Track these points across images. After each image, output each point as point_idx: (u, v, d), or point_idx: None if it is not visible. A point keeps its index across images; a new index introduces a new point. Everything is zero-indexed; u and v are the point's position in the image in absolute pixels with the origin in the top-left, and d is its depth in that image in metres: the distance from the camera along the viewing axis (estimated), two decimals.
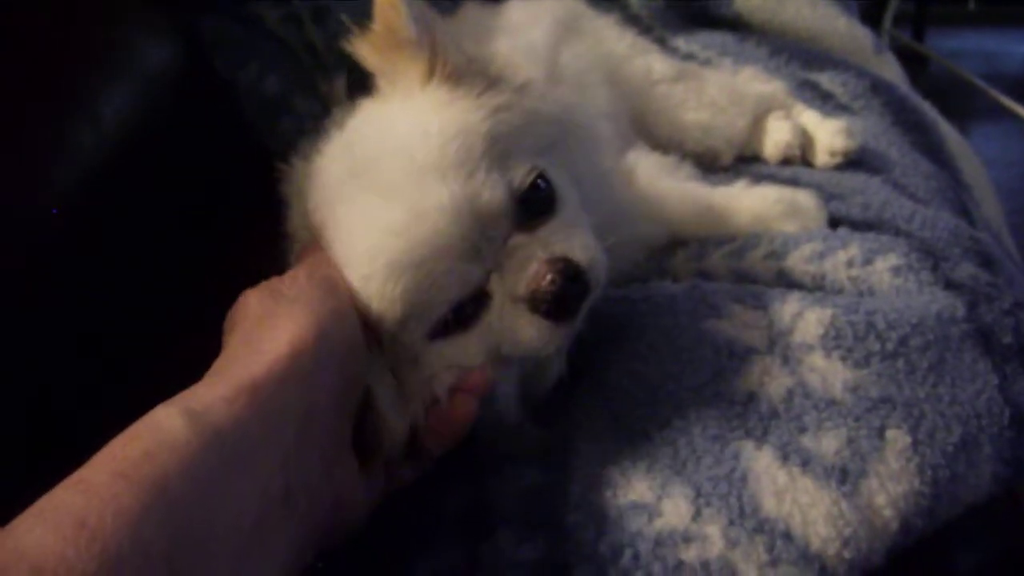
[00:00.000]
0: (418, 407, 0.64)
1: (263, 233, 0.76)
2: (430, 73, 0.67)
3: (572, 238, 0.66)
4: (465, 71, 0.68)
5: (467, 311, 0.64)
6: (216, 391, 0.51)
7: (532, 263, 0.63)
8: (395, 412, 0.63)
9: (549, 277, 0.63)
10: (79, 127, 0.86)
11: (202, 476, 0.47)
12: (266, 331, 0.56)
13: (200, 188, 1.02)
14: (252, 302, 0.60)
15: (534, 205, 0.65)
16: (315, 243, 0.66)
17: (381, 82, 0.70)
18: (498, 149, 0.64)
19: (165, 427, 0.48)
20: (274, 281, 0.62)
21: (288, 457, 0.53)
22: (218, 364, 0.56)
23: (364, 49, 0.69)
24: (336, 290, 0.61)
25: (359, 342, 0.60)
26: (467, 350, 0.65)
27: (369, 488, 0.62)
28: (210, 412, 0.49)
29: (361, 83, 0.83)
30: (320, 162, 0.69)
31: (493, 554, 0.62)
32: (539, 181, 0.66)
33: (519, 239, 0.64)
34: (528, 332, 0.64)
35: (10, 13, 0.82)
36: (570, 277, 0.63)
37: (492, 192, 0.63)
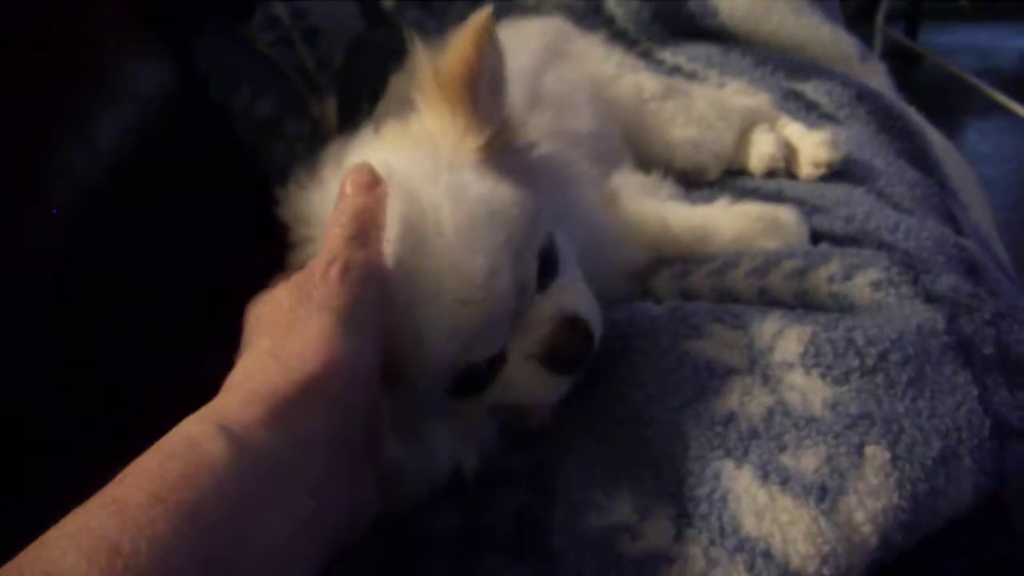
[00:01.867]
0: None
1: (259, 254, 0.77)
2: (492, 139, 0.68)
3: (577, 295, 0.69)
4: (511, 138, 0.70)
5: (483, 370, 0.66)
6: (252, 412, 0.50)
7: (546, 323, 0.66)
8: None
9: (566, 337, 0.66)
10: (73, 151, 0.86)
11: (237, 502, 0.46)
12: (296, 343, 0.55)
13: (195, 211, 1.03)
14: (283, 303, 0.59)
15: (545, 267, 0.68)
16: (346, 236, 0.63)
17: (428, 118, 0.69)
18: (533, 217, 0.67)
19: (204, 448, 0.47)
20: (304, 279, 0.59)
21: (319, 481, 0.52)
22: (246, 372, 0.55)
23: (427, 77, 0.68)
24: (368, 300, 0.59)
25: (381, 355, 0.60)
26: (474, 407, 0.68)
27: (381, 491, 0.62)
28: (248, 435, 0.48)
29: (352, 107, 0.84)
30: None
31: None
32: (548, 244, 0.68)
33: (534, 299, 0.67)
34: (538, 385, 0.67)
35: (2, 37, 0.83)
36: (583, 335, 0.67)
37: (532, 267, 0.66)
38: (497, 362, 0.66)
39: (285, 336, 0.56)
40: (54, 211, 0.80)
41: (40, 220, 0.80)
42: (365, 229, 0.62)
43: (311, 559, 0.52)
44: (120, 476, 0.46)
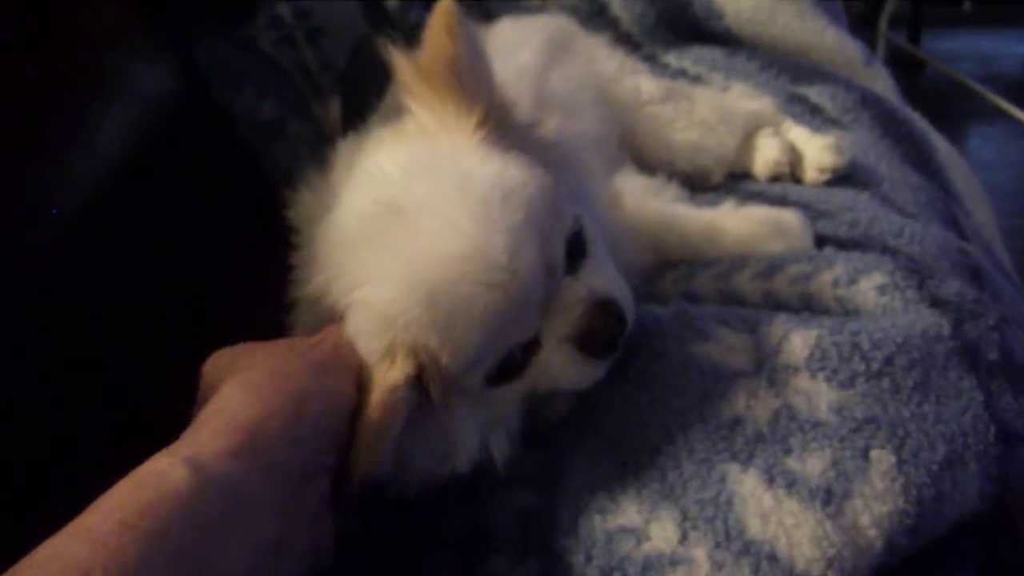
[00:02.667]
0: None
1: (262, 257, 0.77)
2: (485, 117, 0.67)
3: (608, 277, 0.68)
4: (503, 118, 0.69)
5: (517, 357, 0.65)
6: (220, 442, 0.52)
7: (578, 305, 0.65)
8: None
9: (600, 319, 0.65)
10: (75, 153, 0.86)
11: (202, 527, 0.48)
12: (268, 380, 0.57)
13: (198, 213, 1.03)
14: (246, 353, 0.61)
15: (574, 249, 0.67)
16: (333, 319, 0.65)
17: (419, 114, 0.69)
18: (554, 198, 0.66)
19: (170, 478, 0.48)
20: (297, 341, 0.63)
21: (282, 511, 0.54)
22: (217, 405, 0.56)
23: (408, 74, 0.68)
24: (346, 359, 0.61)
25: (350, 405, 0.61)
26: (507, 396, 0.67)
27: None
28: (215, 464, 0.50)
29: (356, 107, 0.83)
30: (348, 198, 0.68)
31: None
32: (576, 226, 0.67)
33: (565, 282, 0.66)
34: (573, 370, 0.67)
35: (4, 39, 0.83)
36: (616, 317, 0.66)
37: (558, 248, 0.65)
38: (532, 348, 0.65)
39: (257, 372, 0.58)
40: (54, 211, 0.80)
41: (40, 220, 0.80)
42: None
43: None
44: (90, 507, 0.48)
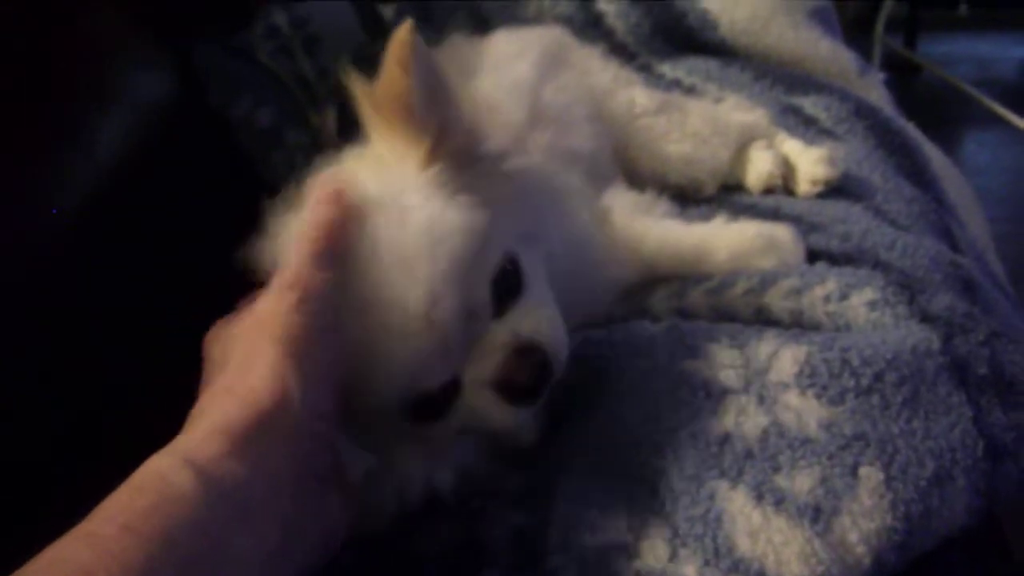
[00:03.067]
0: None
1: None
2: (433, 156, 0.66)
3: (538, 320, 0.67)
4: (464, 150, 0.68)
5: (437, 399, 0.65)
6: (214, 445, 0.51)
7: (499, 352, 0.64)
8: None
9: (517, 368, 0.64)
10: (73, 158, 0.87)
11: (207, 530, 0.47)
12: (249, 378, 0.55)
13: (195, 219, 1.03)
14: (239, 334, 0.60)
15: (502, 290, 0.66)
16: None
17: (377, 143, 0.69)
18: (485, 242, 0.65)
19: (171, 480, 0.48)
20: (260, 308, 0.60)
21: (286, 509, 0.53)
22: (205, 407, 0.56)
23: (364, 103, 0.67)
24: (321, 328, 0.59)
25: (340, 381, 0.60)
26: (439, 433, 0.67)
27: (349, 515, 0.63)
28: (213, 467, 0.50)
29: (352, 116, 0.84)
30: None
31: None
32: (508, 265, 0.67)
33: (490, 325, 0.65)
34: (494, 414, 0.65)
35: (4, 43, 0.83)
36: (537, 365, 0.65)
37: (481, 293, 0.64)
38: (452, 389, 0.65)
39: (239, 370, 0.57)
40: (54, 211, 0.81)
41: (40, 221, 0.80)
42: (327, 248, 0.61)
43: None
44: (92, 513, 0.47)
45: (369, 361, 0.61)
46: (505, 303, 0.66)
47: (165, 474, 0.49)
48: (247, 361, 0.57)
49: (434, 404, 0.65)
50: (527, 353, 0.65)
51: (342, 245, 0.62)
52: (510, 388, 0.64)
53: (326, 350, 0.59)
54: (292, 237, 0.63)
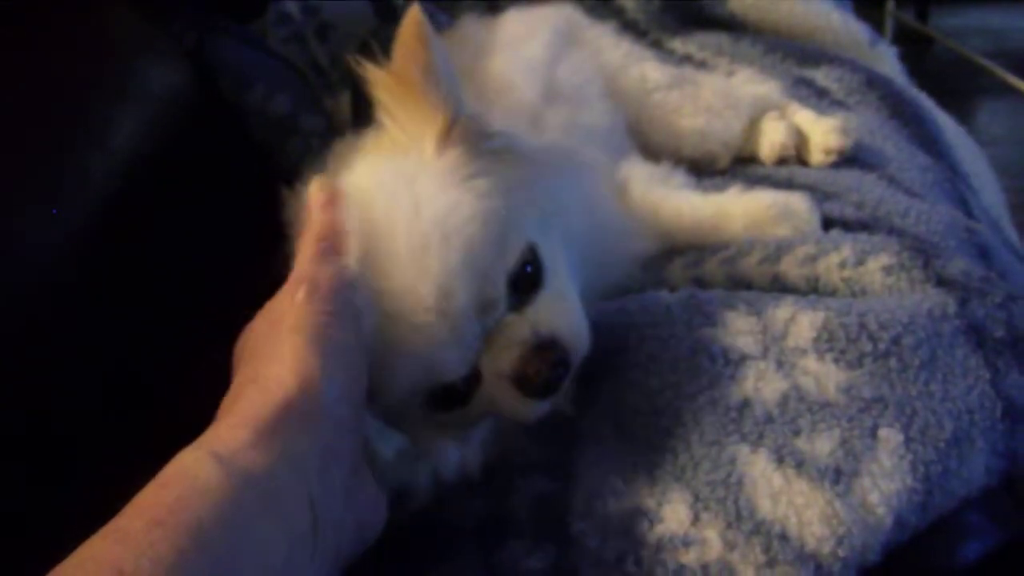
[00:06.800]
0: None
1: (273, 254, 0.78)
2: (447, 136, 0.67)
3: (558, 312, 0.67)
4: (476, 133, 0.68)
5: (459, 389, 0.66)
6: (239, 435, 0.52)
7: (517, 347, 0.65)
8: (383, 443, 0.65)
9: (535, 363, 0.64)
10: (87, 153, 0.87)
11: (234, 521, 0.48)
12: (273, 368, 0.56)
13: (212, 212, 1.04)
14: (260, 330, 0.61)
15: (522, 282, 0.67)
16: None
17: (388, 123, 0.69)
18: (502, 231, 0.65)
19: (196, 473, 0.49)
20: (275, 306, 0.61)
21: (313, 494, 0.53)
22: (231, 400, 0.56)
23: (377, 84, 0.68)
24: (337, 314, 0.60)
25: (364, 367, 0.61)
26: (462, 418, 0.68)
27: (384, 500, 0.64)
28: (238, 458, 0.50)
29: (365, 102, 0.84)
30: None
31: (506, 564, 0.65)
32: (528, 256, 0.67)
33: (508, 317, 0.66)
34: (513, 406, 0.66)
35: (16, 40, 0.83)
36: (555, 363, 0.65)
37: (498, 285, 0.65)
38: (474, 380, 0.66)
39: (263, 362, 0.57)
40: (54, 211, 0.81)
41: (46, 220, 0.80)
42: (329, 245, 0.63)
43: (314, 573, 0.54)
44: (121, 511, 0.48)
45: (388, 349, 0.62)
46: (525, 295, 0.67)
47: (191, 468, 0.49)
48: (269, 352, 0.58)
49: (455, 394, 0.66)
50: (545, 349, 0.65)
51: (341, 238, 0.63)
52: (527, 384, 0.65)
53: (346, 336, 0.59)
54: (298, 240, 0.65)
